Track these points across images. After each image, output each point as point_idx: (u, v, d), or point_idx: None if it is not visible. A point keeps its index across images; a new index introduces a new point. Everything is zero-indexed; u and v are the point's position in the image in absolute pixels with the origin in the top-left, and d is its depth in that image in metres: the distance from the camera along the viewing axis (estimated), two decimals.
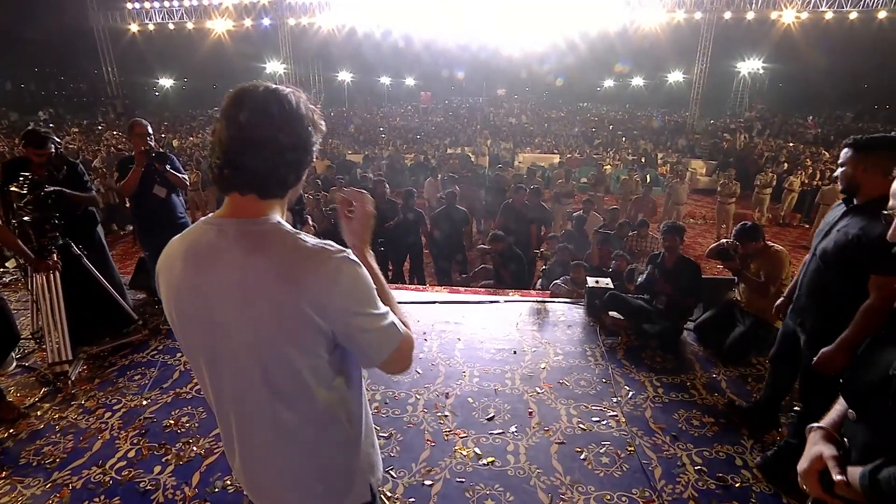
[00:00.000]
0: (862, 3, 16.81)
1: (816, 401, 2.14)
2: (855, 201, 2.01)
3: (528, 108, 29.58)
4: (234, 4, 20.88)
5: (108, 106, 25.31)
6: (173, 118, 24.27)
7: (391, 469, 2.40)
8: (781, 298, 2.69)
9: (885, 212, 1.08)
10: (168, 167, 3.67)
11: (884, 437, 0.99)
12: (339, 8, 20.32)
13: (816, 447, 1.11)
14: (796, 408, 2.84)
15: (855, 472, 0.98)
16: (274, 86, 0.93)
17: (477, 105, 30.95)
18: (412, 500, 2.24)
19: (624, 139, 18.39)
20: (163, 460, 2.47)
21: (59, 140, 3.42)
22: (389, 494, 2.26)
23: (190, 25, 21.64)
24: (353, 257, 0.94)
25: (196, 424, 2.74)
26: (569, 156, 15.20)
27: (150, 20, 21.74)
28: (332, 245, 0.93)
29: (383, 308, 0.97)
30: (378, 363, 0.99)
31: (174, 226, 3.74)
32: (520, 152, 16.77)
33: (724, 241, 3.43)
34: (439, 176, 9.60)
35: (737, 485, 2.32)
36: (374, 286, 0.98)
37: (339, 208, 1.16)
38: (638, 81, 34.00)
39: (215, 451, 2.52)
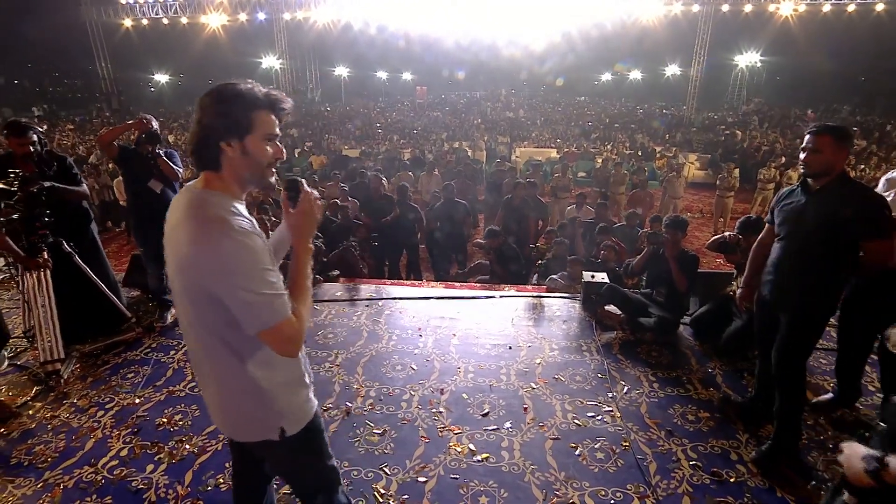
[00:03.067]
0: None
1: (789, 372, 2.33)
2: (811, 184, 2.22)
3: (525, 102, 29.46)
4: None
5: (103, 102, 25.06)
6: (168, 114, 24.08)
7: (385, 466, 2.39)
8: (742, 289, 2.73)
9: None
10: (161, 152, 3.62)
11: None
12: (335, 2, 20.15)
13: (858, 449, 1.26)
14: None
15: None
16: (227, 81, 1.19)
17: (474, 100, 30.83)
18: (406, 496, 2.23)
19: (621, 133, 18.34)
20: (155, 459, 2.46)
21: (41, 129, 3.33)
22: (383, 491, 2.25)
23: (184, 20, 21.39)
24: (242, 234, 1.13)
25: (189, 422, 2.73)
26: (566, 150, 15.16)
27: (144, 15, 21.48)
28: (230, 219, 1.14)
29: (263, 288, 1.14)
30: (252, 332, 1.17)
31: None
32: (517, 147, 16.71)
33: (727, 234, 3.43)
34: (435, 171, 9.54)
35: (731, 479, 2.31)
36: (267, 266, 1.15)
37: (282, 202, 1.32)
38: (636, 75, 33.92)
39: (208, 449, 2.51)
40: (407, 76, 36.78)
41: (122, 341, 3.56)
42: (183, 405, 2.88)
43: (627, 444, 2.55)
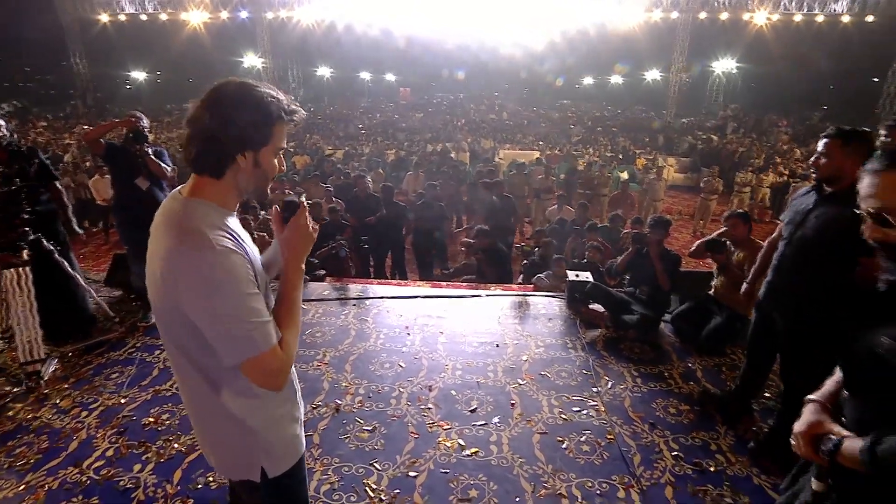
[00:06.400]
0: (827, 7, 17.38)
1: (797, 380, 2.29)
2: (826, 189, 2.13)
3: (508, 104, 29.67)
4: None
5: (78, 99, 24.37)
6: (147, 112, 23.56)
7: (375, 461, 2.42)
8: (745, 285, 2.81)
9: (859, 212, 1.12)
10: (149, 151, 3.58)
11: (874, 412, 1.09)
12: (319, 2, 20.04)
13: (815, 416, 1.21)
14: (767, 395, 2.96)
15: (853, 445, 1.07)
16: (237, 80, 1.08)
17: (457, 101, 30.91)
18: (397, 491, 2.25)
19: (602, 137, 18.64)
20: (143, 458, 2.44)
21: (4, 115, 3.29)
22: (374, 486, 2.27)
23: (164, 17, 21.00)
24: (222, 254, 1.00)
25: (177, 421, 2.70)
26: (548, 152, 15.34)
27: (122, 10, 21.03)
28: (211, 235, 1.01)
29: (243, 314, 1.01)
30: (229, 364, 1.05)
31: None
32: (500, 149, 16.84)
33: (715, 233, 3.56)
34: (420, 172, 9.58)
35: (711, 469, 2.41)
36: (249, 291, 1.03)
37: (273, 219, 1.20)
38: (617, 79, 34.49)
39: (197, 447, 2.49)
40: (390, 77, 36.68)
41: (105, 341, 3.50)
42: (170, 404, 2.85)
43: (612, 437, 2.62)
